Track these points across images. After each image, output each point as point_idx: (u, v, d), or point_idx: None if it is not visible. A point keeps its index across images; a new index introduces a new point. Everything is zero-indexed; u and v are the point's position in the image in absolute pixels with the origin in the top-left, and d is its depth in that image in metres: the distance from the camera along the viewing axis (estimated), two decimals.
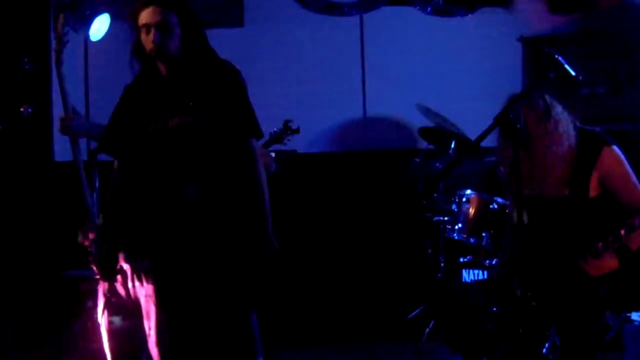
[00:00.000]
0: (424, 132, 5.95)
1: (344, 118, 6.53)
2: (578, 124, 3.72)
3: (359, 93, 6.56)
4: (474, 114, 5.71)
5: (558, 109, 3.64)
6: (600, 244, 3.49)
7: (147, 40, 3.28)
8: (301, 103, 6.25)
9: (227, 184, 3.32)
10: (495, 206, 5.40)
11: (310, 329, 6.01)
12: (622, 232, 3.40)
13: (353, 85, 6.55)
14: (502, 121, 2.88)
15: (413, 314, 6.17)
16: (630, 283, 4.50)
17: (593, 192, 3.61)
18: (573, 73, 3.09)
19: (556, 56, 3.09)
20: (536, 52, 4.84)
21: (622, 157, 3.61)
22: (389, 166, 6.50)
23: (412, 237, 6.33)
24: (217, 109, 3.28)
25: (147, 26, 3.26)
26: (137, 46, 3.34)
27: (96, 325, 3.80)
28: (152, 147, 3.29)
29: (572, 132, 3.63)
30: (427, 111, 5.97)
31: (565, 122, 3.64)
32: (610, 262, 3.54)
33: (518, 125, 2.87)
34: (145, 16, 3.25)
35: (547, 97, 3.57)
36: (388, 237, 6.52)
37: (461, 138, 5.69)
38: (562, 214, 3.66)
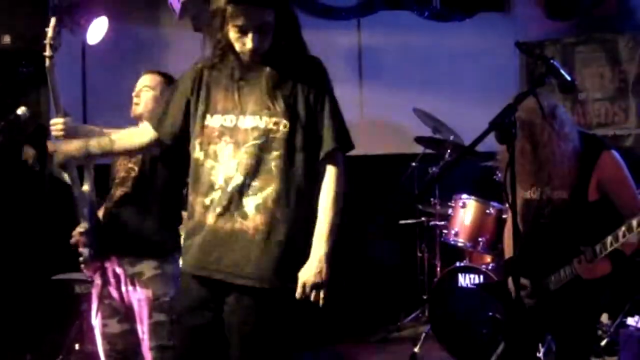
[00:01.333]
0: (419, 140, 5.97)
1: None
2: (578, 127, 3.72)
3: (357, 97, 6.60)
4: (470, 119, 5.61)
5: (562, 109, 3.62)
6: (596, 247, 3.43)
7: (242, 42, 2.91)
8: None
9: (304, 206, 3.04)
10: (492, 211, 5.44)
11: (304, 332, 5.82)
12: (618, 236, 3.37)
13: (350, 89, 6.57)
14: (497, 126, 2.79)
15: (409, 318, 6.18)
16: (625, 288, 4.78)
17: (592, 196, 3.57)
18: (568, 78, 3.04)
19: (551, 61, 3.03)
20: (532, 57, 4.83)
21: (621, 161, 3.58)
22: (385, 170, 6.51)
23: (408, 241, 6.32)
24: (307, 115, 2.97)
25: (244, 28, 2.88)
26: (220, 38, 2.96)
27: (91, 328, 3.77)
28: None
29: (576, 134, 3.60)
30: (423, 115, 5.99)
31: (569, 123, 3.61)
32: (603, 266, 3.50)
33: (513, 130, 2.79)
34: (243, 17, 2.86)
35: (547, 99, 3.54)
36: (384, 241, 6.54)
37: (456, 144, 5.70)
38: (562, 217, 3.61)
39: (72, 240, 3.58)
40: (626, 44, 6.37)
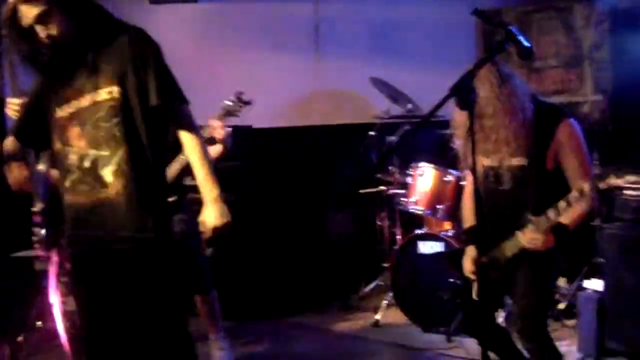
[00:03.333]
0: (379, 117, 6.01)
1: (297, 92, 6.58)
2: (536, 96, 3.70)
3: (313, 67, 6.59)
4: (428, 88, 5.51)
5: (515, 79, 3.60)
6: (540, 219, 3.44)
7: (38, 36, 3.02)
8: (254, 77, 6.20)
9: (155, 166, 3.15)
10: (450, 178, 5.46)
11: (266, 303, 6.00)
12: (559, 208, 3.38)
13: (307, 60, 6.58)
14: (457, 91, 2.82)
15: (370, 286, 6.21)
16: (581, 252, 4.84)
17: (550, 164, 3.57)
18: (527, 44, 3.02)
19: (509, 27, 3.02)
20: (490, 24, 4.87)
21: (579, 131, 3.57)
22: (343, 140, 6.51)
23: (368, 210, 6.32)
24: (137, 78, 3.06)
25: (28, 25, 2.99)
26: (26, 40, 3.04)
27: (51, 306, 3.79)
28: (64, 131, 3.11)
29: (528, 103, 3.57)
30: (380, 84, 5.97)
31: (521, 92, 3.58)
32: (547, 239, 3.49)
33: (472, 96, 2.82)
34: (23, 17, 2.98)
35: (504, 66, 3.55)
36: (343, 211, 6.57)
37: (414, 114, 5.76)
38: (521, 184, 3.62)
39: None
40: (581, 11, 6.36)
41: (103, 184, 3.00)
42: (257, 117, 5.18)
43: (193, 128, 3.14)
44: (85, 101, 3.04)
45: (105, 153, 3.01)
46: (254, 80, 5.83)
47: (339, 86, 6.66)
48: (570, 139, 3.54)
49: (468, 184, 3.96)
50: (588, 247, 5.18)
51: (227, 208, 3.12)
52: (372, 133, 6.02)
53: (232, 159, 4.82)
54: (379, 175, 6.01)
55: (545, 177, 3.58)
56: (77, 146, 3.04)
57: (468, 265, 3.73)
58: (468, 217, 3.87)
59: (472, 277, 3.69)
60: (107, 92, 3.02)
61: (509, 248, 3.60)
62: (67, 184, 3.07)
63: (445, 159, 5.35)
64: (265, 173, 6.39)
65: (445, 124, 4.21)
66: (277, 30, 6.51)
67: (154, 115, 3.05)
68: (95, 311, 3.08)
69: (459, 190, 5.29)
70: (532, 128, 3.55)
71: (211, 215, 3.09)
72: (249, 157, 6.07)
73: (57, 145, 3.11)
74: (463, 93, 2.82)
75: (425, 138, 5.83)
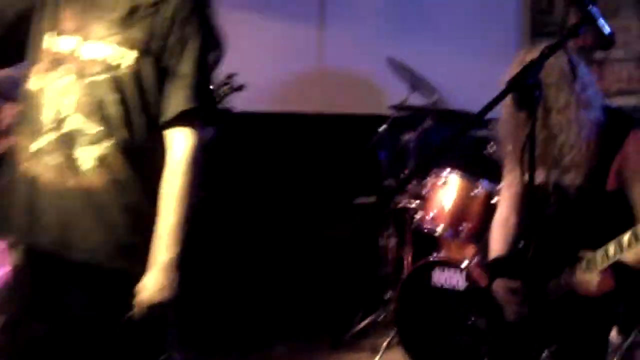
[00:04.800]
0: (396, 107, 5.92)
1: (293, 71, 6.56)
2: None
3: (316, 42, 6.58)
4: (458, 75, 6.01)
5: (585, 69, 3.58)
6: (597, 255, 3.38)
7: None
8: (247, 55, 5.99)
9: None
10: (479, 191, 5.30)
11: (239, 334, 5.93)
12: (622, 243, 3.30)
13: (308, 33, 6.56)
14: (518, 86, 2.73)
15: (368, 320, 6.05)
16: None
17: (611, 185, 3.56)
18: (607, 30, 2.94)
19: (588, 6, 2.93)
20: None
21: None
22: (347, 135, 6.45)
23: (371, 225, 6.22)
24: (164, 55, 2.90)
25: None
26: None
27: None
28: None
29: (600, 101, 3.58)
30: (399, 68, 5.87)
31: (593, 86, 3.60)
32: (604, 281, 3.43)
33: (537, 93, 2.73)
34: None
35: (573, 55, 3.50)
36: (341, 223, 6.44)
37: (439, 109, 5.65)
38: (572, 208, 3.62)
39: None
40: None
41: (74, 169, 2.83)
42: (241, 99, 5.18)
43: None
44: (90, 49, 2.86)
45: (92, 131, 2.83)
46: (238, 51, 5.60)
47: (346, 67, 6.57)
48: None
49: (503, 205, 3.96)
50: None
51: (178, 278, 2.87)
52: (383, 128, 5.90)
53: (206, 150, 4.61)
54: (387, 182, 5.88)
55: (604, 202, 3.57)
56: (61, 101, 2.85)
57: (504, 295, 3.70)
58: (496, 245, 3.89)
59: (511, 304, 3.66)
60: (121, 57, 2.84)
61: (553, 289, 3.56)
62: (33, 147, 2.85)
63: (473, 166, 5.33)
64: (245, 170, 6.33)
65: (478, 121, 4.10)
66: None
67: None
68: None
69: (488, 208, 5.20)
70: (597, 136, 3.55)
71: (153, 284, 2.84)
72: (227, 149, 5.87)
73: (33, 83, 2.91)
74: (525, 88, 2.75)
75: (453, 138, 5.63)
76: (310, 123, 6.51)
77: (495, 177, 5.06)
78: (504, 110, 3.61)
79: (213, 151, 5.35)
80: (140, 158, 2.88)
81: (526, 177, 2.91)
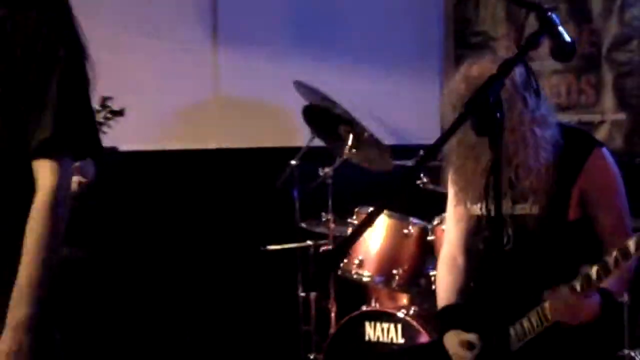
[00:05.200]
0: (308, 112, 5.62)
1: (186, 100, 6.37)
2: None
3: (210, 67, 6.41)
4: (375, 95, 5.99)
5: (539, 84, 3.53)
6: (575, 282, 3.30)
7: None
8: (131, 82, 5.89)
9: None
10: (412, 230, 5.20)
11: None
12: (608, 264, 3.24)
13: (201, 57, 6.37)
14: (476, 108, 2.57)
15: None
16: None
17: (574, 214, 3.52)
18: (568, 39, 2.82)
19: (549, 13, 2.83)
20: (519, 4, 4.97)
21: (614, 166, 3.55)
22: (254, 172, 6.25)
23: (287, 275, 5.92)
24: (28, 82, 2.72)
25: None
26: None
27: None
28: None
29: (554, 118, 3.56)
30: (308, 92, 5.64)
31: (546, 102, 3.57)
32: (588, 309, 3.36)
33: (498, 114, 2.56)
34: None
35: (529, 67, 3.35)
36: (251, 271, 6.22)
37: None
38: (529, 243, 3.53)
39: None
40: None
41: None
42: (125, 135, 5.06)
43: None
44: None
45: None
46: (121, 80, 5.50)
47: (248, 94, 6.42)
48: (605, 176, 3.54)
49: (449, 243, 3.86)
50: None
51: (30, 345, 2.62)
52: (294, 162, 5.62)
53: (86, 196, 4.70)
54: (304, 225, 5.67)
55: (566, 232, 3.54)
56: None
57: (457, 350, 3.60)
58: (445, 292, 3.79)
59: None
60: None
61: (515, 337, 3.46)
62: None
63: (403, 202, 4.79)
64: (134, 218, 6.02)
65: (404, 151, 4.24)
66: (156, 11, 6.20)
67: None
68: None
69: (423, 248, 5.10)
70: (555, 160, 3.52)
71: (2, 348, 2.60)
72: (111, 194, 5.72)
73: None
74: (486, 110, 2.60)
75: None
76: (209, 160, 6.36)
77: (425, 212, 5.15)
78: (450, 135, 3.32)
79: (97, 195, 5.25)
80: (8, 194, 2.74)
81: (481, 209, 3.06)
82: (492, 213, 2.91)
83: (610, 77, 6.17)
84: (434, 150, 2.79)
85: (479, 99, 2.60)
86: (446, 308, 3.72)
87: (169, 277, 6.19)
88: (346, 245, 3.41)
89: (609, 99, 6.22)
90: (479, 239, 3.67)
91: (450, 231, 3.87)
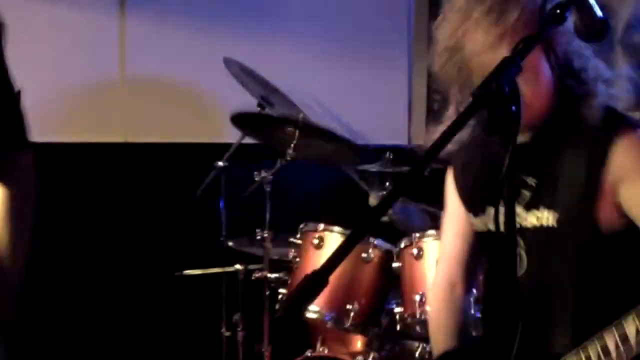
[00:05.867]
0: (238, 119, 5.27)
1: (91, 84, 6.09)
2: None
3: (115, 41, 6.13)
4: (326, 84, 5.76)
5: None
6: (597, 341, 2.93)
7: None
8: (18, 58, 5.48)
9: None
10: (372, 254, 4.79)
11: None
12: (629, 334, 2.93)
13: (106, 27, 6.06)
14: (488, 99, 2.39)
15: None
16: None
17: (606, 217, 3.06)
18: (600, 14, 2.66)
19: None
20: None
21: None
22: (169, 174, 6.00)
23: (209, 307, 5.55)
24: None
25: None
26: None
27: None
28: None
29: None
30: (242, 73, 5.45)
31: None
32: None
33: (513, 108, 2.39)
34: None
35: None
36: (163, 301, 5.95)
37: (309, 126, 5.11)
38: (548, 260, 3.20)
39: None
40: None
41: None
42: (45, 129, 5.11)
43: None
44: None
45: None
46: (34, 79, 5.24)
47: (162, 75, 6.15)
48: None
49: (445, 267, 3.60)
50: None
51: None
52: (221, 163, 5.28)
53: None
54: (231, 244, 5.32)
55: (599, 246, 3.13)
56: None
57: None
58: (441, 332, 3.53)
59: None
60: None
61: None
62: None
63: (357, 217, 4.65)
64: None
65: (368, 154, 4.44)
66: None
67: None
68: None
69: (386, 276, 4.73)
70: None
71: None
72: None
73: None
74: (500, 102, 2.44)
75: (322, 179, 5.67)
76: (113, 157, 6.06)
77: (391, 232, 4.88)
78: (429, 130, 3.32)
79: None
80: None
81: (487, 224, 2.96)
82: (502, 228, 2.61)
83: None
84: (434, 152, 2.35)
85: (491, 86, 2.40)
86: (445, 355, 3.44)
87: (53, 309, 5.87)
88: (327, 273, 2.97)
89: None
90: (484, 262, 3.52)
91: (446, 251, 3.56)
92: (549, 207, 3.13)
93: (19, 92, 5.05)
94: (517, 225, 3.20)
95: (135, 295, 5.99)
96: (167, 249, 5.88)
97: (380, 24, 6.27)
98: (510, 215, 2.42)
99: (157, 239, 5.95)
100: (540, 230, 3.17)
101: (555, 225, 3.13)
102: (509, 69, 2.44)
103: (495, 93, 2.38)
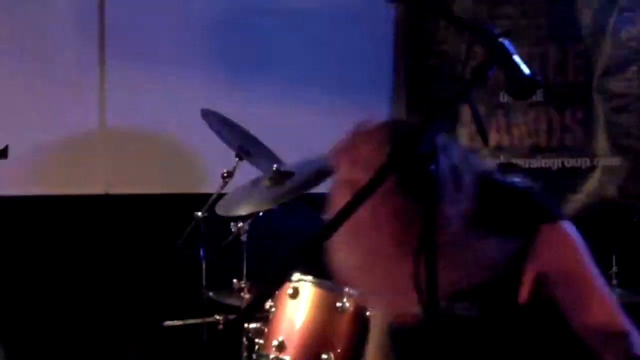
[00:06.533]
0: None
1: (72, 136, 6.13)
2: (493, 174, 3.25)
3: (95, 91, 6.14)
4: (307, 131, 5.77)
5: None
6: None
7: None
8: (15, 128, 5.78)
9: None
10: (347, 304, 4.67)
11: None
12: None
13: (85, 75, 6.11)
14: (403, 160, 2.43)
15: None
16: None
17: (524, 295, 3.16)
18: (527, 71, 2.65)
19: (500, 39, 2.69)
20: (454, 24, 5.08)
21: (579, 243, 3.13)
22: (148, 223, 5.99)
23: (189, 355, 5.70)
24: None
25: None
26: None
27: None
28: None
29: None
30: (220, 124, 5.37)
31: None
32: None
33: (433, 167, 2.45)
34: None
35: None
36: (144, 353, 6.00)
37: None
38: (470, 346, 3.21)
39: None
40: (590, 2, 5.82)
41: None
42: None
43: None
44: None
45: None
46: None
47: (142, 126, 6.20)
48: (572, 261, 3.14)
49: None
50: None
51: None
52: (200, 214, 5.26)
53: None
54: (211, 294, 5.30)
55: (517, 321, 3.18)
56: None
57: None
58: None
59: None
60: None
61: None
62: None
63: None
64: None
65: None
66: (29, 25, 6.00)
67: None
68: None
69: (361, 326, 4.59)
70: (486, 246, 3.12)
71: None
72: None
73: None
74: (416, 162, 2.50)
75: (298, 222, 5.27)
76: (94, 208, 6.06)
77: None
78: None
79: None
80: None
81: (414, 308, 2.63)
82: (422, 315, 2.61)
83: (602, 112, 5.78)
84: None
85: (406, 145, 2.42)
86: None
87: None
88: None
89: (601, 140, 5.83)
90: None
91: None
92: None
93: (6, 147, 5.08)
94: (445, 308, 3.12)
95: (118, 346, 5.97)
96: (149, 300, 5.87)
97: (362, 74, 6.26)
98: (431, 293, 2.40)
99: (140, 290, 5.93)
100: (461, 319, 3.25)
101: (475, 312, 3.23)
102: (429, 128, 2.47)
103: (411, 151, 2.41)
